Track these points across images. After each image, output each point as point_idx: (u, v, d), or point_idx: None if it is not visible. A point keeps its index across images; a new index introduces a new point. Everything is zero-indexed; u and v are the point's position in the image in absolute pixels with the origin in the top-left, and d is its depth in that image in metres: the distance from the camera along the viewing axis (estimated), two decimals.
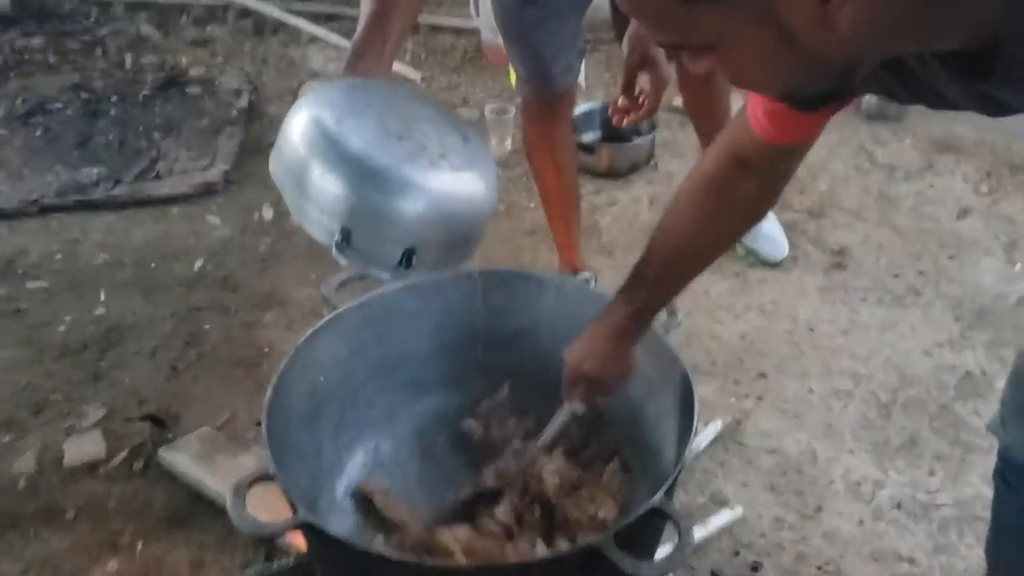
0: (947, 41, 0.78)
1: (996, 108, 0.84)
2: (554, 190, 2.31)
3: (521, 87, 2.16)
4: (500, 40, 3.36)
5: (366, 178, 1.42)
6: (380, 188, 1.43)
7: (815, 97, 0.87)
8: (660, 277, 1.30)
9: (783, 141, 1.10)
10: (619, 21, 2.23)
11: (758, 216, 1.29)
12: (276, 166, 1.48)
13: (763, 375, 2.15)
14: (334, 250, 1.42)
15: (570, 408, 1.40)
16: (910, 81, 0.86)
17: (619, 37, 2.28)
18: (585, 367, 1.35)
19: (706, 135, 2.55)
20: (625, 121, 1.97)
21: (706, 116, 2.49)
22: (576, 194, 2.36)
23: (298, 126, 1.45)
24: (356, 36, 1.54)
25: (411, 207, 1.44)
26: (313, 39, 3.63)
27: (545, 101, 2.14)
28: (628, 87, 1.92)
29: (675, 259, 1.29)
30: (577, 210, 2.38)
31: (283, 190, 1.47)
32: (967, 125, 2.92)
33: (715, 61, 0.80)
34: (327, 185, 1.42)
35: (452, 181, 1.49)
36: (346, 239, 1.41)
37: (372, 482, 1.50)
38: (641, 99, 1.93)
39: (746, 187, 1.19)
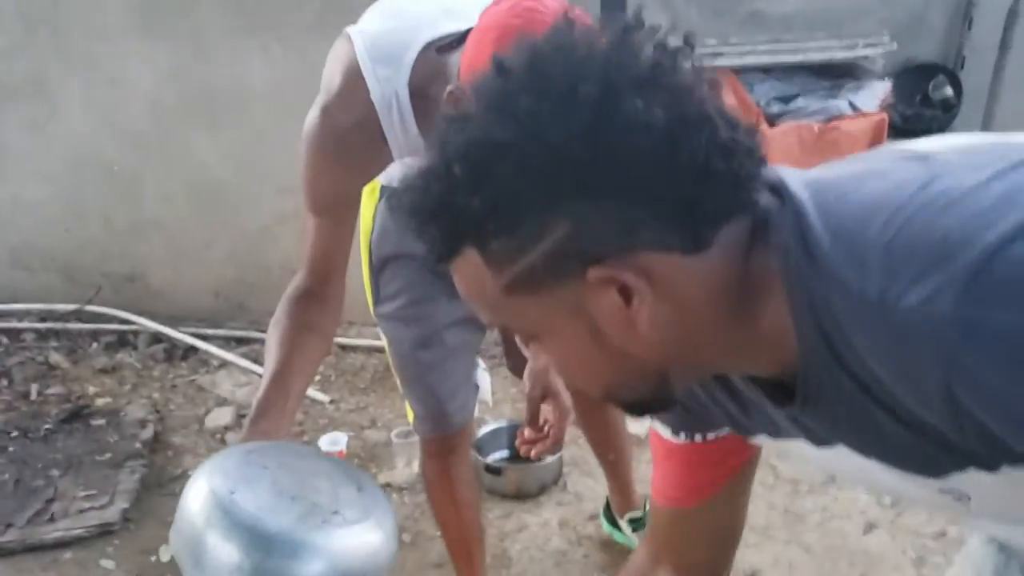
0: (757, 364, 0.83)
1: (816, 437, 0.86)
2: (454, 526, 2.27)
3: (418, 425, 2.17)
4: None
5: (258, 545, 1.38)
6: (273, 554, 1.39)
7: (638, 403, 0.89)
8: None
9: (679, 503, 1.10)
10: (511, 356, 2.28)
11: None
12: (174, 542, 1.45)
13: None
14: None
15: None
16: (750, 410, 0.88)
17: (512, 370, 2.34)
18: None
19: (604, 458, 2.57)
20: (533, 453, 2.01)
21: (603, 442, 2.53)
22: (478, 529, 2.32)
23: (193, 501, 1.43)
24: (259, 395, 1.55)
25: (306, 569, 1.40)
26: (223, 363, 3.65)
27: (443, 438, 2.15)
28: (533, 419, 1.97)
29: None
30: (480, 545, 2.33)
31: (182, 567, 1.43)
32: None
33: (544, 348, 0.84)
34: (221, 556, 1.38)
35: (346, 536, 1.46)
36: None
37: None
38: (546, 429, 1.96)
39: None
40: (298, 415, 3.35)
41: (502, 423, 3.09)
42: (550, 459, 2.92)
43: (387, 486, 2.95)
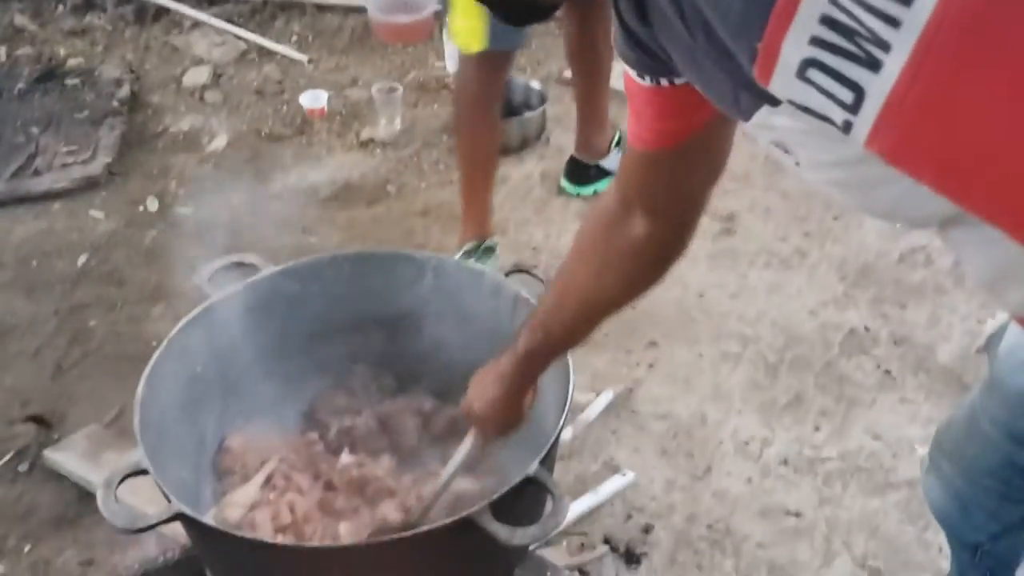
0: None
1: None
2: (484, 148, 2.31)
3: (485, 39, 2.11)
4: (389, 18, 3.35)
5: None
6: None
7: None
8: (559, 325, 1.20)
9: (653, 145, 1.02)
10: None
11: (661, 263, 1.14)
12: None
13: (654, 343, 2.18)
14: None
15: (471, 441, 1.31)
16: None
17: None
18: (475, 407, 1.27)
19: (584, 102, 2.61)
20: None
21: (587, 74, 2.56)
22: (497, 156, 2.39)
23: None
24: None
25: None
26: (196, 24, 3.54)
27: (501, 53, 2.17)
28: None
29: (576, 309, 1.18)
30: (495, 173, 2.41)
31: None
32: None
33: None
34: None
35: None
36: None
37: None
38: None
39: (638, 230, 1.10)
40: (276, 74, 3.31)
41: None
42: (533, 113, 2.93)
43: (370, 141, 2.95)
